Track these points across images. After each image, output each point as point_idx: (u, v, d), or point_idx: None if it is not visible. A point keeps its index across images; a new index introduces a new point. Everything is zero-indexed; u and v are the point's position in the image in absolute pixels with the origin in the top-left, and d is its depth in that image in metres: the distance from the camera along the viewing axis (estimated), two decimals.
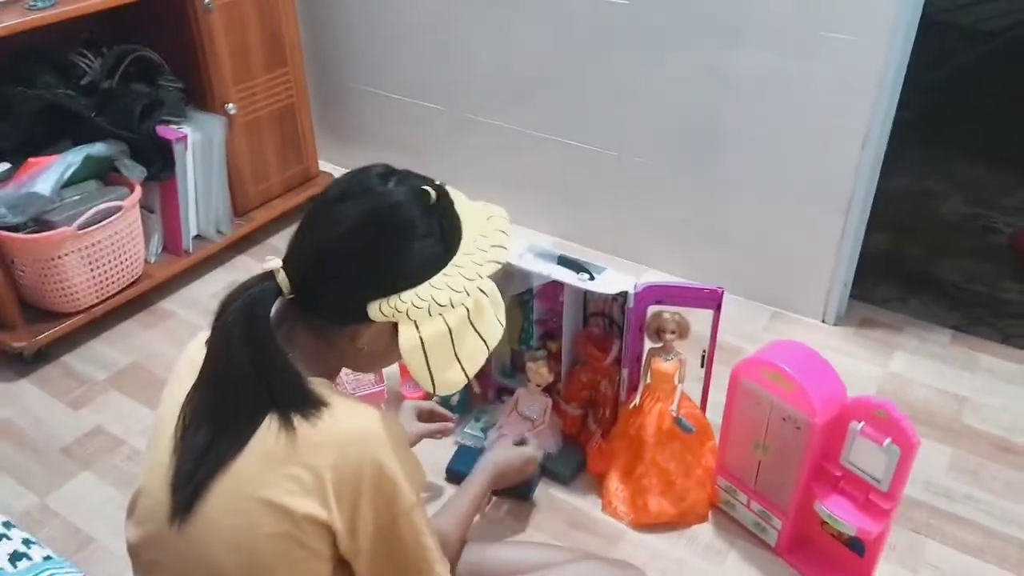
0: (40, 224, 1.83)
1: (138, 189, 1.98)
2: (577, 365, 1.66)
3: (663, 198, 2.20)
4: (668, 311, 1.52)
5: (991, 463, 1.68)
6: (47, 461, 1.72)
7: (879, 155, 1.87)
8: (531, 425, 1.66)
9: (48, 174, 1.80)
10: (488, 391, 1.81)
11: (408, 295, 0.90)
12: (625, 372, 1.58)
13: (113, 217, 1.90)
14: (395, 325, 0.91)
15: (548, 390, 1.67)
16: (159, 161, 2.03)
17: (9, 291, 1.86)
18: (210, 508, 0.87)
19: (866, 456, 1.33)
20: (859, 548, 1.40)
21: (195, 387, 0.91)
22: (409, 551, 0.92)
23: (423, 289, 0.91)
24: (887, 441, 1.28)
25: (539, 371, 1.62)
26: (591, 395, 1.66)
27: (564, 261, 1.54)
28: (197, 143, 2.10)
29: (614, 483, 1.59)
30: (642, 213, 2.27)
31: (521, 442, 1.49)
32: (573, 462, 1.65)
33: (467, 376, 0.95)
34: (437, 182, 0.96)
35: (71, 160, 1.84)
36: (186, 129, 2.07)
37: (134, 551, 0.96)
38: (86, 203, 1.87)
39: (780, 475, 1.44)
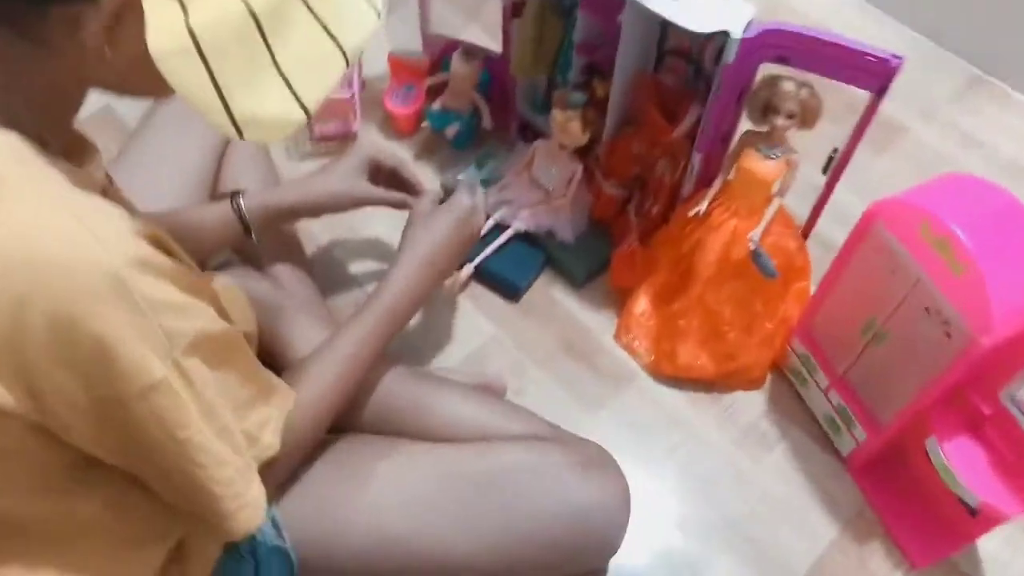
0: None
1: None
2: (630, 126, 1.07)
3: None
4: (793, 79, 0.88)
5: None
6: None
7: None
8: (545, 195, 1.13)
9: None
10: (510, 124, 1.25)
11: None
12: (699, 157, 0.99)
13: None
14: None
15: (583, 153, 1.11)
16: None
17: None
18: None
19: None
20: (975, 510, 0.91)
21: None
22: (161, 451, 0.56)
23: None
24: None
25: (568, 125, 1.04)
26: (642, 173, 1.09)
27: None
28: None
29: (641, 305, 1.09)
30: None
31: (446, 194, 0.93)
32: (593, 259, 1.14)
33: (303, 107, 0.52)
34: None
35: None
36: None
37: None
38: None
39: (891, 378, 0.91)
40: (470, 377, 0.99)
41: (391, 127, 1.30)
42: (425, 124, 1.24)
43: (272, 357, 0.91)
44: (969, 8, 1.36)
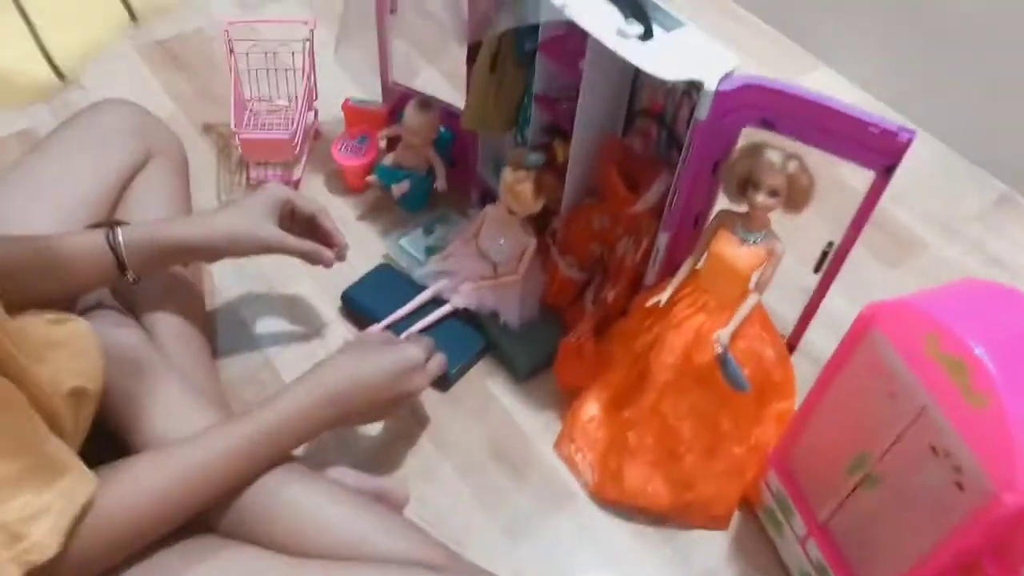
0: None
1: None
2: (592, 197, 0.91)
3: None
4: (781, 150, 0.72)
5: None
6: None
7: None
8: (492, 270, 0.96)
9: None
10: (470, 189, 1.10)
11: None
12: (665, 237, 0.82)
13: None
14: None
15: (540, 226, 0.95)
16: None
17: None
18: None
19: None
20: None
21: None
22: None
23: None
24: None
25: (517, 187, 0.88)
26: (603, 254, 0.93)
27: None
28: None
29: (590, 411, 0.91)
30: None
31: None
32: (541, 350, 0.96)
33: (54, 66, 0.48)
34: None
35: None
36: None
37: None
38: None
39: (884, 534, 0.71)
40: (362, 481, 0.80)
41: (339, 180, 1.16)
42: (373, 178, 1.09)
43: (122, 425, 0.74)
44: (1002, 122, 1.21)
